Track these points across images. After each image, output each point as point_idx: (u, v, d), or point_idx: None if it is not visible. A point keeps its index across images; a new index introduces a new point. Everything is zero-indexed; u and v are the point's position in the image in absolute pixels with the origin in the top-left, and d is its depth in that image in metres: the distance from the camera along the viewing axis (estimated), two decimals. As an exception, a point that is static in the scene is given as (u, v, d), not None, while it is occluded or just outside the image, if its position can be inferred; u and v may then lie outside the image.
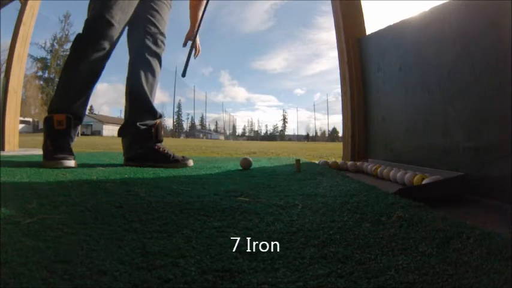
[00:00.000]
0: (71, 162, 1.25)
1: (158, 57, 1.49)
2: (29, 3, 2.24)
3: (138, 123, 1.43)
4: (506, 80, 0.80)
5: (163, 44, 1.51)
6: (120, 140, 1.52)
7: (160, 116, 1.52)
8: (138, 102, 1.46)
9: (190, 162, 1.45)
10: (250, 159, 1.44)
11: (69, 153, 1.30)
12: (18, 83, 2.27)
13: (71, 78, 1.32)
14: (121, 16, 1.33)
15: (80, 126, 1.45)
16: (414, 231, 0.50)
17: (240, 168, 1.40)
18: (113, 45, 1.35)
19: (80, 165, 1.32)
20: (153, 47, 1.46)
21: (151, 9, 1.46)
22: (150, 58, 1.45)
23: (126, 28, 1.43)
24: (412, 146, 1.25)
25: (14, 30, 2.23)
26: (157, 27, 1.46)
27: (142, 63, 1.44)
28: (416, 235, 0.48)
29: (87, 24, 1.32)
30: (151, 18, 1.45)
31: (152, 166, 1.36)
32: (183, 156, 1.46)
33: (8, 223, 0.48)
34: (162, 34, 1.49)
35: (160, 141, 1.48)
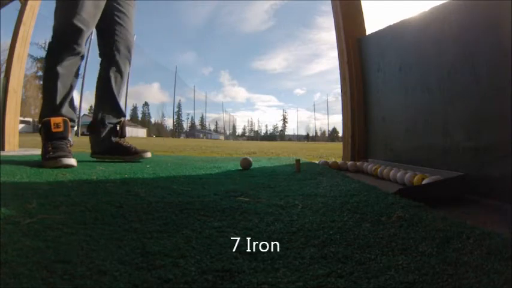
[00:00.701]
0: (71, 160, 1.27)
1: (128, 59, 1.60)
2: (29, 3, 2.24)
3: (106, 121, 1.57)
4: (506, 80, 0.80)
5: (133, 44, 1.61)
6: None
7: (124, 115, 1.67)
8: (107, 101, 1.58)
9: (148, 154, 1.60)
10: (250, 159, 1.44)
11: (68, 152, 1.33)
12: (18, 83, 2.26)
13: (54, 85, 1.37)
14: (89, 19, 1.40)
15: (74, 129, 1.52)
16: (414, 231, 0.50)
17: (240, 168, 1.40)
18: (84, 47, 1.43)
19: (80, 165, 1.32)
20: (123, 49, 1.56)
21: (118, 12, 1.54)
22: (120, 60, 1.56)
23: (95, 30, 1.52)
24: (412, 146, 1.25)
25: (14, 30, 2.23)
26: (125, 29, 1.56)
27: (112, 64, 1.54)
28: (416, 235, 0.48)
29: (58, 31, 1.38)
30: (118, 20, 1.54)
31: (117, 159, 1.55)
32: (143, 150, 1.61)
33: (8, 223, 0.48)
34: (130, 35, 1.59)
35: (124, 136, 1.63)
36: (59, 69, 1.36)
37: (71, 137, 1.41)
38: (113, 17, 1.52)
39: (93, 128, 1.60)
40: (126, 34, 1.56)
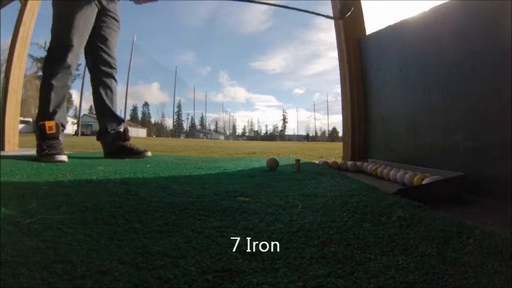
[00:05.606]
0: (63, 157, 1.49)
1: (112, 77, 1.88)
2: (29, 3, 2.24)
3: (109, 129, 1.85)
4: (506, 80, 0.80)
5: (115, 65, 1.89)
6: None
7: (123, 120, 1.95)
8: (105, 113, 1.86)
9: (149, 153, 1.89)
10: (277, 159, 1.41)
11: (60, 150, 1.56)
12: (18, 83, 2.26)
13: (48, 95, 1.61)
14: (79, 39, 1.64)
15: (64, 131, 1.76)
16: (414, 231, 0.50)
17: (241, 168, 1.40)
18: (75, 61, 1.67)
19: (80, 165, 1.32)
20: (107, 70, 1.84)
21: (101, 37, 1.79)
22: (106, 79, 1.85)
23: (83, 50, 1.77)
24: (412, 146, 1.25)
25: (14, 30, 2.22)
26: (107, 54, 1.83)
27: (100, 83, 1.84)
28: (416, 235, 0.48)
29: (52, 47, 1.62)
30: (102, 46, 1.80)
31: (123, 158, 1.78)
32: (144, 149, 1.89)
33: (8, 223, 0.48)
34: (112, 57, 1.86)
35: (128, 139, 1.90)
36: (53, 81, 1.60)
37: (62, 138, 1.66)
38: (97, 42, 1.76)
39: (99, 135, 1.91)
40: (108, 57, 1.82)
